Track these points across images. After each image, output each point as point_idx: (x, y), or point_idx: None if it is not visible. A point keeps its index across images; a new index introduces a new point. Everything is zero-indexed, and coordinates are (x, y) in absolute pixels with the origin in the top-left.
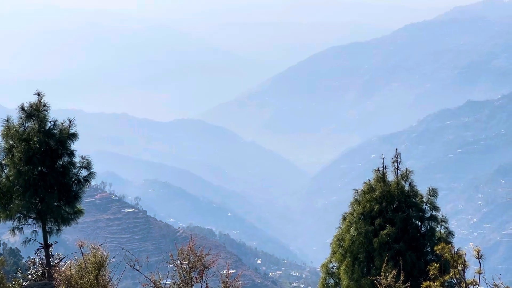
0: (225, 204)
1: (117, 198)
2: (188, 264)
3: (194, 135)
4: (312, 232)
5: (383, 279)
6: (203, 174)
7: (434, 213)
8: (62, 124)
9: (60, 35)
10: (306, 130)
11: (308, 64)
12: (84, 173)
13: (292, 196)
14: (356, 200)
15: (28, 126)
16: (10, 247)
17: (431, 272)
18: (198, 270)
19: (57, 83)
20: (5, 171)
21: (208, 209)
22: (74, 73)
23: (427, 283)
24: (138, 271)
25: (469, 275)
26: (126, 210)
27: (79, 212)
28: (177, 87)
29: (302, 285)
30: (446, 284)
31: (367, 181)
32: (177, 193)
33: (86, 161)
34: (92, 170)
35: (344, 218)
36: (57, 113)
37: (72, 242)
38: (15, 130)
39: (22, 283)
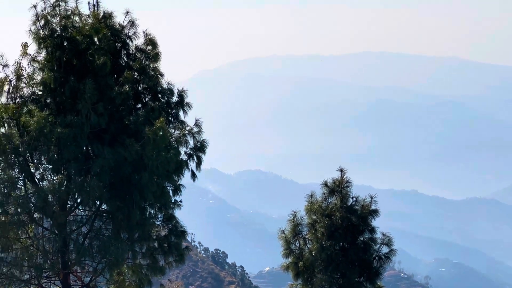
0: None
1: (406, 276)
2: None
3: (488, 214)
4: None
5: None
6: (496, 255)
7: None
8: (364, 200)
9: (350, 113)
10: None
11: None
12: (384, 250)
13: None
14: None
15: (330, 201)
16: None
17: None
18: None
19: (347, 159)
20: (308, 245)
21: None
22: (364, 149)
23: None
24: None
25: None
26: None
27: None
28: (468, 164)
29: None
30: None
31: None
32: (469, 273)
33: (387, 238)
34: (393, 247)
35: None
36: None
37: None
38: (319, 205)
39: None
